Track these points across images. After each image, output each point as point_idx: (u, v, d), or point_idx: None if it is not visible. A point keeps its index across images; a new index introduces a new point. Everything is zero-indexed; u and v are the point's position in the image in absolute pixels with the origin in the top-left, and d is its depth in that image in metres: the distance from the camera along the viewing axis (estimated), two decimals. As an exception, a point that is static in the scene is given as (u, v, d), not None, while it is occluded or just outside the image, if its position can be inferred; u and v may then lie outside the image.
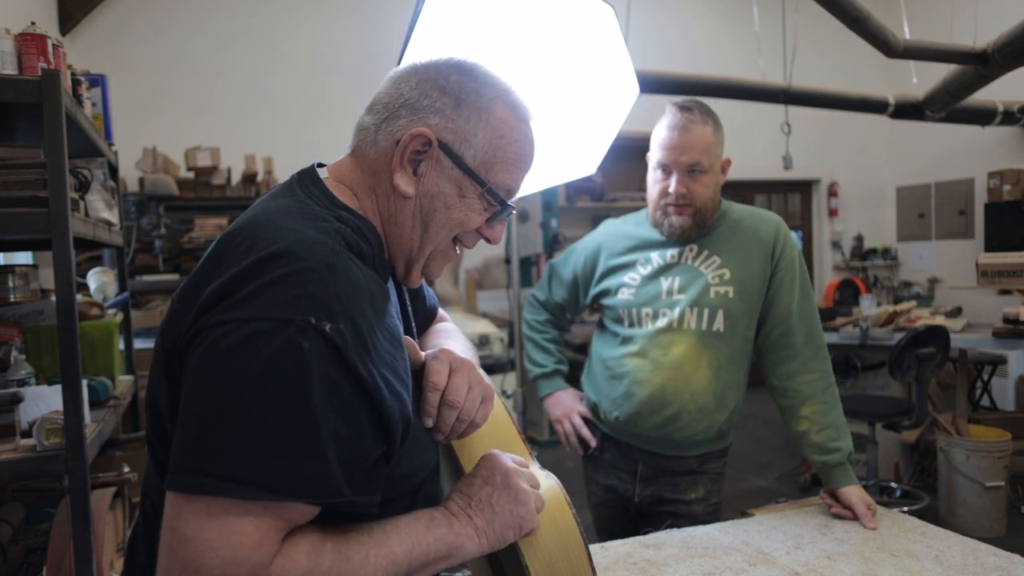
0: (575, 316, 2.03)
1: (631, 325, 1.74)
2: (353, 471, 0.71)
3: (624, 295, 1.76)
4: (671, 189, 1.66)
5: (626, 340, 1.74)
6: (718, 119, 1.69)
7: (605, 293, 1.81)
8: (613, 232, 1.86)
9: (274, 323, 0.67)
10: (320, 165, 0.91)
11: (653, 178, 1.72)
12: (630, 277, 1.77)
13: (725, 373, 1.68)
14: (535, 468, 0.95)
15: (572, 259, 1.92)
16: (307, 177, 0.88)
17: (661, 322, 1.70)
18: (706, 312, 1.67)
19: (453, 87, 0.86)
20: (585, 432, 1.86)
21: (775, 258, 1.69)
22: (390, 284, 0.90)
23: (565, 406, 1.91)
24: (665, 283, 1.72)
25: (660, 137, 1.68)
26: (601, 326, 1.87)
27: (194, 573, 0.63)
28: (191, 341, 0.71)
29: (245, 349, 0.67)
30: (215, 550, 0.64)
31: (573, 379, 1.98)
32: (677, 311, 1.68)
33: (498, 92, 0.88)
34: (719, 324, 1.67)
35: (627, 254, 1.79)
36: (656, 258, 1.75)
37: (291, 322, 0.68)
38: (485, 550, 0.82)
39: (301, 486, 0.67)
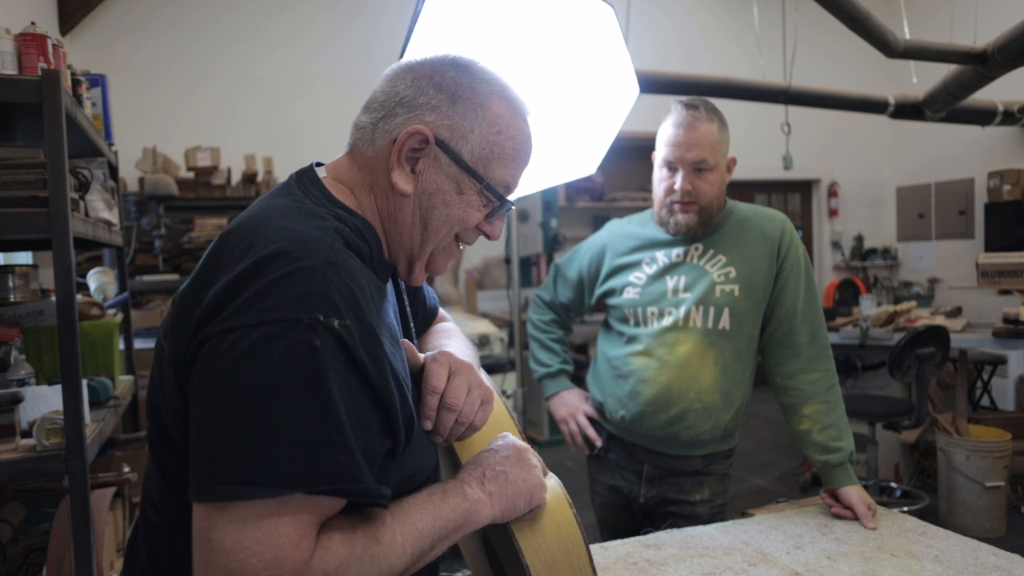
0: (580, 316, 2.03)
1: (637, 324, 1.74)
2: (369, 465, 0.71)
3: (630, 294, 1.76)
4: (677, 186, 1.66)
5: (632, 339, 1.74)
6: (723, 118, 1.69)
7: (610, 293, 1.81)
8: (618, 232, 1.86)
9: (282, 325, 0.67)
10: (319, 164, 0.91)
11: (659, 176, 1.72)
12: (635, 276, 1.77)
13: (731, 372, 1.68)
14: None
15: (577, 259, 1.92)
16: (305, 177, 0.88)
17: (667, 321, 1.70)
18: (712, 311, 1.67)
19: (449, 83, 0.86)
20: (591, 432, 1.86)
21: (780, 256, 1.69)
22: (389, 285, 0.90)
23: (570, 406, 1.91)
24: (671, 282, 1.72)
25: (666, 135, 1.68)
26: (607, 326, 1.87)
27: None
28: (198, 349, 0.71)
29: (257, 354, 0.67)
30: (257, 555, 0.64)
31: (576, 379, 1.98)
32: (683, 310, 1.68)
33: (494, 88, 0.88)
34: (725, 322, 1.67)
35: (632, 253, 1.79)
36: (661, 257, 1.75)
37: (299, 321, 0.68)
38: (497, 516, 0.84)
39: (332, 478, 0.67)
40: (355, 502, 0.71)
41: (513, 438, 0.92)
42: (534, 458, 0.90)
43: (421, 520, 0.77)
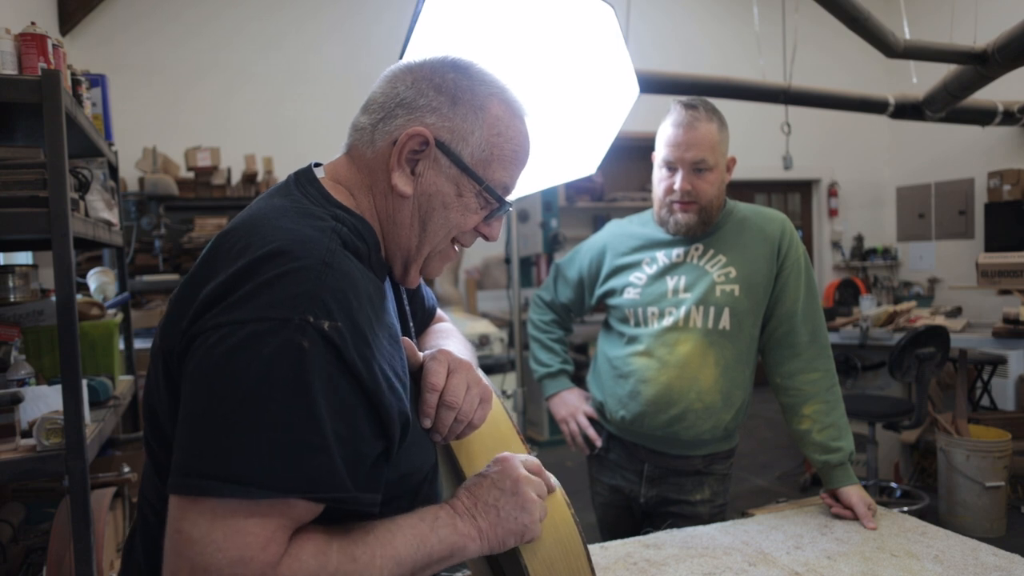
0: (580, 316, 2.03)
1: (637, 324, 1.75)
2: (355, 469, 0.71)
3: (630, 295, 1.76)
4: (676, 186, 1.66)
5: (632, 339, 1.74)
6: (723, 117, 1.69)
7: (611, 293, 1.81)
8: (618, 232, 1.87)
9: (272, 323, 0.67)
10: (317, 165, 0.91)
11: (658, 176, 1.72)
12: (636, 277, 1.77)
13: (731, 372, 1.68)
14: None
15: (577, 260, 1.92)
16: (304, 177, 0.88)
17: (667, 321, 1.70)
18: (712, 311, 1.67)
19: (449, 85, 0.86)
20: (591, 432, 1.86)
21: (781, 256, 1.69)
22: (387, 284, 0.90)
23: (571, 406, 1.91)
24: (671, 282, 1.72)
25: (665, 135, 1.68)
26: (607, 326, 1.87)
27: (203, 574, 0.64)
28: (189, 344, 0.71)
29: (245, 351, 0.67)
30: (223, 551, 0.64)
31: (576, 379, 1.98)
32: (683, 310, 1.68)
33: (493, 90, 0.88)
34: (725, 322, 1.67)
35: (633, 254, 1.80)
36: (662, 257, 1.75)
37: (289, 321, 0.68)
38: (486, 552, 0.83)
39: (306, 483, 0.67)
40: (332, 508, 0.71)
41: (512, 464, 0.87)
42: (532, 488, 0.86)
43: (405, 546, 0.75)
